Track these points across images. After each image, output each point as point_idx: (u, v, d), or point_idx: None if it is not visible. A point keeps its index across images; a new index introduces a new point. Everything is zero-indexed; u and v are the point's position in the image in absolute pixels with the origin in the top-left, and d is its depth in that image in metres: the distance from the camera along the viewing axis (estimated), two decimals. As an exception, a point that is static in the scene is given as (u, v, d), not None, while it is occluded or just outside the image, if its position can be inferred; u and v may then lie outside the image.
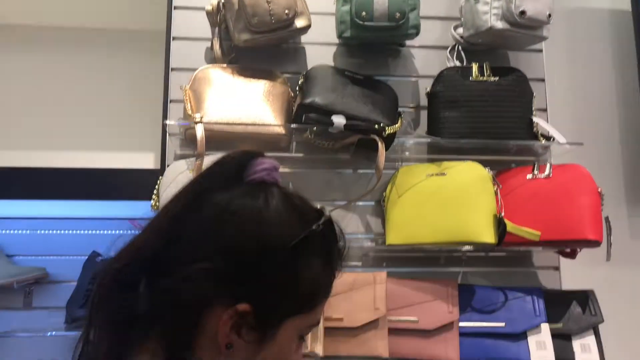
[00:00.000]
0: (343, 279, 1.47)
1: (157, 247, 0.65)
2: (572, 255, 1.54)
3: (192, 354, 0.64)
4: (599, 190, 1.46)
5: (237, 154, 0.71)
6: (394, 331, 1.46)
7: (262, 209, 0.66)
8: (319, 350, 1.40)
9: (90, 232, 1.94)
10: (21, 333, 1.87)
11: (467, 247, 1.46)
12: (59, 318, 1.78)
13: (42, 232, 2.00)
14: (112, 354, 0.66)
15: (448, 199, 1.45)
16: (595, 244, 1.44)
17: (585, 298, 1.53)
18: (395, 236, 1.49)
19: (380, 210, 1.61)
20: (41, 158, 1.92)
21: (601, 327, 1.50)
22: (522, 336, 1.45)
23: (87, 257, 1.71)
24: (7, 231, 1.98)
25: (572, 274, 1.64)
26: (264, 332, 0.65)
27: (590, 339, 1.48)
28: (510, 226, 1.41)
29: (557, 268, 1.64)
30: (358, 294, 1.47)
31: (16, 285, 1.84)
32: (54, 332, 1.83)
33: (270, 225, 0.65)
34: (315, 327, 0.73)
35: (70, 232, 1.98)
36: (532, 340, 1.45)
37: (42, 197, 1.63)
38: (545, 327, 1.46)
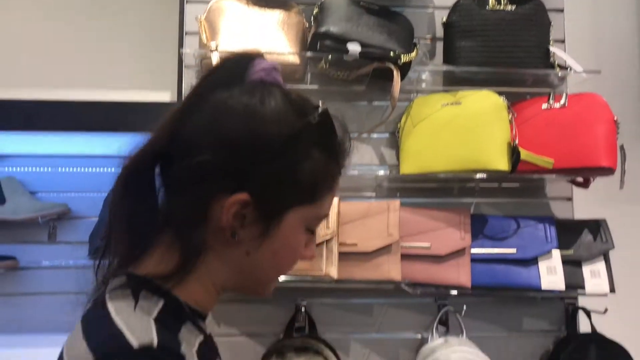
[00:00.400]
0: (357, 207, 1.52)
1: (163, 144, 0.68)
2: (585, 184, 1.55)
3: (204, 246, 0.68)
4: (615, 118, 1.46)
5: (237, 55, 0.73)
6: (406, 257, 1.49)
7: (257, 104, 0.68)
8: (334, 273, 1.44)
9: (110, 169, 1.99)
10: (47, 266, 1.95)
11: (480, 175, 1.48)
12: (82, 252, 1.85)
13: (64, 169, 2.05)
14: (131, 252, 0.69)
15: (463, 127, 1.45)
16: (609, 171, 1.44)
17: (597, 226, 1.54)
18: (410, 165, 1.51)
19: (395, 142, 1.62)
20: (59, 95, 1.95)
21: (612, 254, 1.53)
22: (532, 262, 1.48)
23: (107, 193, 1.76)
24: (30, 169, 2.04)
25: (585, 205, 1.65)
26: (267, 222, 0.67)
27: (600, 265, 1.50)
28: (524, 154, 1.42)
29: (569, 199, 1.65)
30: (372, 221, 1.50)
31: (41, 220, 1.90)
32: (78, 264, 1.91)
33: (265, 117, 0.67)
34: (323, 220, 0.74)
35: (91, 169, 2.03)
36: (542, 265, 1.48)
37: (60, 128, 1.66)
38: (556, 253, 1.49)
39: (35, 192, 1.99)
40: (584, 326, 1.59)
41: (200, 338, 0.66)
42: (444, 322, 1.59)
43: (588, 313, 1.55)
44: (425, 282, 1.49)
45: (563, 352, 1.50)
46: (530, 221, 1.54)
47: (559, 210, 1.64)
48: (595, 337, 1.52)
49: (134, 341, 0.57)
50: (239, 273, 0.70)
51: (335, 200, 1.51)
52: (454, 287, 1.48)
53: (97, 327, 0.61)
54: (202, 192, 0.66)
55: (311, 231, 0.74)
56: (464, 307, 1.53)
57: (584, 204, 1.66)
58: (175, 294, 0.66)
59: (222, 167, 0.66)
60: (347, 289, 1.60)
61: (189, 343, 0.63)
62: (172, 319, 0.64)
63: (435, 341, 1.51)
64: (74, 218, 1.99)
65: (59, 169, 2.05)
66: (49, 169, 2.04)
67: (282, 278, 1.46)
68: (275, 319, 1.57)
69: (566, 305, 1.59)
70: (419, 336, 1.59)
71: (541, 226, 1.52)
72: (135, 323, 0.60)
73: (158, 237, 0.70)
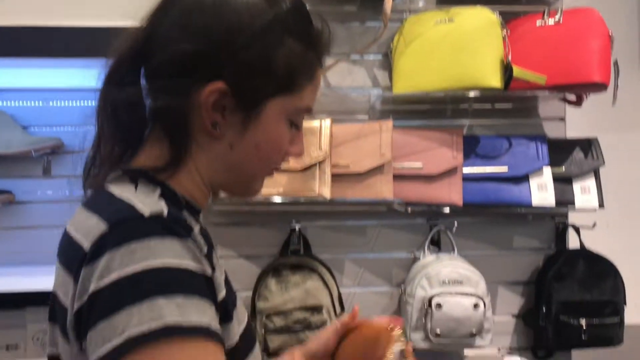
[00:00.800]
0: (350, 129, 1.52)
1: (141, 44, 0.69)
2: (578, 102, 1.55)
3: (191, 141, 0.69)
4: (610, 33, 1.44)
5: None
6: (399, 177, 1.51)
7: None
8: (326, 193, 1.46)
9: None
10: (43, 200, 1.96)
11: (473, 94, 1.47)
12: (77, 185, 1.86)
13: (55, 103, 2.03)
14: (122, 152, 0.70)
15: (455, 45, 1.44)
16: (602, 87, 1.44)
17: (588, 144, 1.55)
18: (403, 85, 1.50)
19: (388, 64, 1.60)
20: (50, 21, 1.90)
21: (602, 173, 1.54)
22: (523, 179, 1.50)
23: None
24: (21, 103, 2.02)
25: (578, 125, 1.66)
26: (246, 112, 0.68)
27: (590, 182, 1.52)
28: (516, 71, 1.41)
29: (562, 119, 1.65)
30: (364, 142, 1.50)
31: (34, 153, 1.90)
32: (73, 198, 1.92)
33: (237, 7, 0.67)
34: (305, 113, 0.74)
35: (83, 103, 2.01)
36: (533, 183, 1.50)
37: (50, 55, 1.63)
38: (547, 171, 1.50)
39: (27, 126, 1.98)
40: (573, 243, 1.62)
41: (198, 227, 0.68)
42: (436, 243, 1.62)
43: (577, 230, 1.58)
44: (417, 201, 1.51)
45: (552, 267, 1.54)
46: (522, 140, 1.54)
47: (552, 131, 1.65)
48: (583, 252, 1.56)
49: (145, 210, 0.58)
50: (225, 168, 0.71)
51: (328, 122, 1.51)
52: (446, 205, 1.50)
53: (105, 203, 0.62)
54: (181, 84, 0.67)
55: (296, 126, 0.74)
56: (455, 223, 1.55)
57: (577, 124, 1.66)
58: (170, 183, 0.68)
59: (198, 57, 0.66)
60: (340, 212, 1.63)
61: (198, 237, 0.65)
62: (171, 203, 0.65)
63: (427, 258, 1.54)
64: (67, 152, 1.98)
65: (50, 102, 2.03)
66: (40, 103, 2.02)
67: (276, 199, 1.48)
68: (270, 241, 1.60)
69: (556, 223, 1.62)
70: (412, 255, 1.63)
71: (533, 144, 1.53)
72: (143, 197, 0.61)
73: (148, 135, 0.71)
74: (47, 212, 1.94)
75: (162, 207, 0.60)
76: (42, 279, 1.57)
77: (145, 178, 0.66)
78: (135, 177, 0.65)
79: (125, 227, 0.57)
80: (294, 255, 1.55)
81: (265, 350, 1.44)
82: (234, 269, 1.58)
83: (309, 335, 1.43)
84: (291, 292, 1.47)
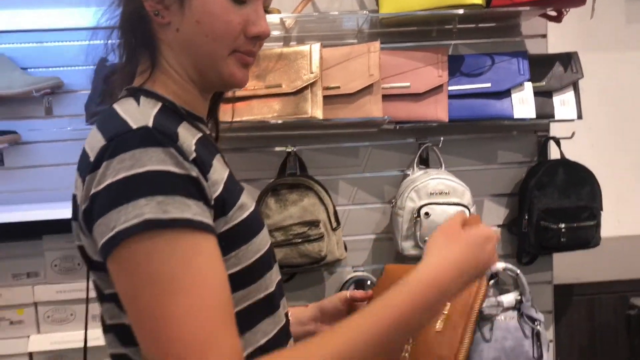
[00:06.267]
0: (339, 52, 1.58)
1: None
2: (558, 18, 1.60)
3: (154, 39, 0.76)
4: (587, -54, 1.48)
5: None
6: (388, 97, 1.58)
7: None
8: (319, 114, 1.54)
9: (99, 42, 2.00)
10: (47, 139, 2.02)
11: (457, 12, 1.52)
12: (80, 124, 1.93)
13: (52, 44, 2.06)
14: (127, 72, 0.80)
15: (438, -36, 1.48)
16: (580, 2, 1.49)
17: (568, 58, 1.62)
18: (389, 6, 1.55)
19: (374, -13, 1.64)
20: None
21: (582, 86, 1.62)
22: (506, 94, 1.58)
23: (97, 63, 1.80)
24: (18, 44, 2.05)
25: (559, 41, 1.71)
26: None
27: (569, 95, 1.60)
28: (497, -14, 1.46)
29: (544, 36, 1.71)
30: (353, 64, 1.56)
31: (35, 93, 1.95)
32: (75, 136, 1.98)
33: None
34: None
35: (79, 42, 2.04)
36: (515, 97, 1.57)
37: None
38: (528, 85, 1.58)
39: (25, 68, 2.03)
40: (554, 155, 1.71)
41: (198, 135, 0.75)
42: (424, 161, 1.71)
43: (557, 141, 1.67)
44: (405, 119, 1.59)
45: (534, 177, 1.64)
46: (505, 57, 1.61)
47: (534, 48, 1.71)
48: (563, 161, 1.66)
49: (134, 124, 0.66)
50: (185, 55, 0.76)
51: (317, 45, 1.56)
52: (433, 122, 1.58)
53: (107, 121, 0.70)
54: None
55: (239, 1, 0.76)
56: (441, 139, 1.64)
57: (558, 41, 1.72)
58: (157, 91, 0.75)
59: None
60: (334, 134, 1.71)
61: (187, 137, 0.72)
62: (170, 117, 0.72)
63: (416, 173, 1.63)
64: (67, 92, 2.04)
65: (47, 43, 2.06)
66: (37, 44, 2.06)
67: (272, 121, 1.55)
68: (268, 164, 1.69)
69: (538, 136, 1.70)
70: (402, 173, 1.72)
71: (514, 60, 1.59)
72: (137, 114, 0.69)
73: (140, 57, 0.79)
74: (51, 151, 2.01)
75: (150, 120, 0.67)
76: (55, 211, 1.67)
77: (145, 93, 0.74)
78: (137, 95, 0.73)
79: (117, 141, 0.65)
80: (291, 176, 1.64)
81: (268, 262, 1.56)
82: (235, 191, 1.68)
83: (308, 247, 1.54)
84: (290, 209, 1.57)
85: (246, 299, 0.73)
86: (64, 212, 1.64)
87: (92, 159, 0.66)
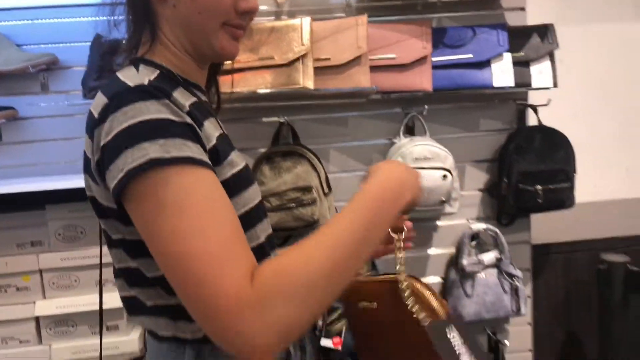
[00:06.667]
0: (328, 25, 1.65)
1: None
2: (535, -9, 1.69)
3: (154, 14, 0.83)
4: None
5: None
6: (375, 68, 1.66)
7: None
8: (310, 85, 1.62)
9: (93, 18, 2.04)
10: (44, 115, 2.07)
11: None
12: (75, 100, 1.98)
13: (47, 20, 2.10)
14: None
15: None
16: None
17: (545, 30, 1.71)
18: (374, -19, 1.62)
19: (361, -37, 1.72)
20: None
21: (558, 57, 1.71)
22: (486, 64, 1.67)
23: (93, 39, 1.85)
24: (13, 22, 2.09)
25: (538, 14, 1.80)
26: None
27: (545, 65, 1.69)
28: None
29: (523, 9, 1.80)
30: (342, 36, 1.64)
31: (32, 69, 1.99)
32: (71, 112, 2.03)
33: None
34: None
35: (74, 19, 2.08)
36: (495, 67, 1.67)
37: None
38: (507, 56, 1.67)
39: (20, 45, 2.07)
40: (533, 122, 1.81)
41: (193, 99, 0.82)
42: (410, 130, 1.81)
43: (535, 109, 1.77)
44: (392, 89, 1.68)
45: (512, 142, 1.74)
46: (485, 28, 1.70)
47: (514, 20, 1.80)
48: (540, 128, 1.76)
49: (131, 84, 0.74)
50: (181, 29, 0.84)
51: (307, 19, 1.64)
52: (418, 92, 1.67)
53: (109, 85, 0.77)
54: None
55: None
56: (425, 107, 1.73)
57: (537, 13, 1.81)
58: (155, 60, 0.83)
59: None
60: (324, 105, 1.79)
61: (181, 98, 0.79)
62: (166, 83, 0.80)
63: (402, 141, 1.73)
64: (63, 68, 2.08)
65: (42, 20, 2.10)
66: (32, 20, 2.09)
67: (263, 90, 1.63)
68: (262, 134, 1.77)
69: (517, 104, 1.80)
70: (389, 141, 1.81)
71: (494, 32, 1.68)
72: (135, 77, 0.76)
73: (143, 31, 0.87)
74: (48, 126, 2.06)
75: (145, 80, 0.74)
76: (57, 182, 1.73)
77: (144, 62, 0.82)
78: (137, 64, 0.81)
79: (119, 97, 0.72)
80: (284, 145, 1.73)
81: (264, 226, 1.65)
82: (231, 160, 1.76)
83: (302, 211, 1.64)
84: (284, 176, 1.66)
85: None
86: (65, 183, 1.72)
87: (97, 115, 0.73)
